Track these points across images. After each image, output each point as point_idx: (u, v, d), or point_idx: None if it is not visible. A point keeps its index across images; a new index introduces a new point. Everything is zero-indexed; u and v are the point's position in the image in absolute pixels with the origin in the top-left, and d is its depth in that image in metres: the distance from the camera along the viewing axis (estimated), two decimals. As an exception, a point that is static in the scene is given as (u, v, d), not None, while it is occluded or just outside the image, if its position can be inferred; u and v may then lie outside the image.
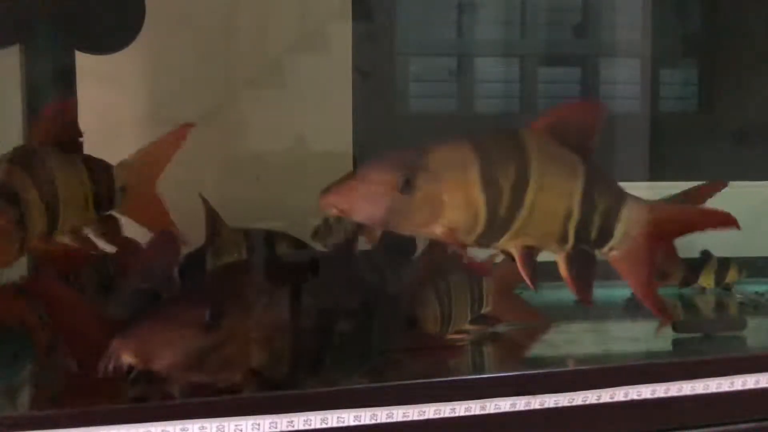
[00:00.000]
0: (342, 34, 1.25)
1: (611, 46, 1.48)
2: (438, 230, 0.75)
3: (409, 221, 0.74)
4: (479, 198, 0.75)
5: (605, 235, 0.80)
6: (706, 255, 1.27)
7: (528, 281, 0.78)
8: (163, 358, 0.71)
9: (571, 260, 0.80)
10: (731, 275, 1.27)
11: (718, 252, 1.27)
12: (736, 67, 1.49)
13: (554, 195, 0.77)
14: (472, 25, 1.44)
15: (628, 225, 0.80)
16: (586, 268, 0.81)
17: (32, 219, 0.81)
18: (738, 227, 0.85)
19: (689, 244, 1.31)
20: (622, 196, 0.81)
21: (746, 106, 1.47)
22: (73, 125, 0.89)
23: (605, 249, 0.81)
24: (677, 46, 1.52)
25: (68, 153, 0.88)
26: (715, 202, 1.40)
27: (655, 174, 1.40)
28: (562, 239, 0.79)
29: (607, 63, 1.49)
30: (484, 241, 0.77)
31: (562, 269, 0.81)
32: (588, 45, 1.49)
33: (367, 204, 0.72)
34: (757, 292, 1.26)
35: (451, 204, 0.74)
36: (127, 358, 0.69)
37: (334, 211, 0.72)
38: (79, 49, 1.11)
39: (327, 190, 0.72)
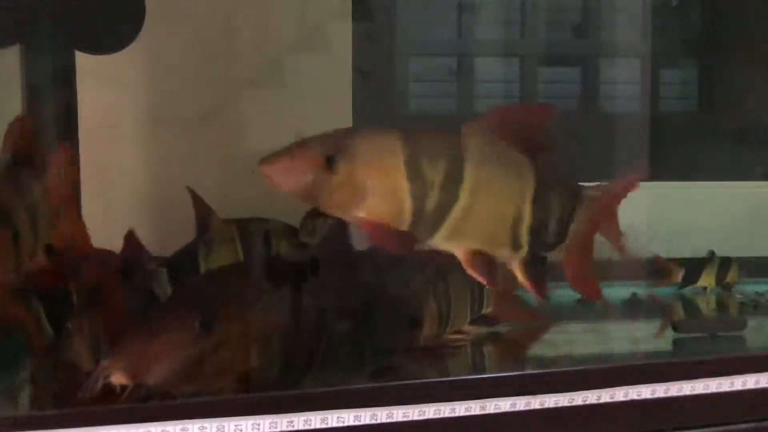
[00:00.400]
0: (342, 34, 1.25)
1: (611, 46, 1.48)
2: (361, 215, 0.75)
3: (331, 200, 0.74)
4: (403, 188, 0.74)
5: (560, 237, 0.80)
6: (709, 255, 1.27)
7: (482, 281, 0.77)
8: (155, 373, 0.71)
9: (527, 267, 0.79)
10: (732, 275, 1.27)
11: (717, 252, 1.27)
12: (736, 67, 1.49)
13: (497, 195, 0.77)
14: (472, 25, 1.44)
15: (580, 224, 0.80)
16: (540, 270, 0.80)
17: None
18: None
19: (690, 245, 1.31)
20: (577, 196, 0.80)
21: (746, 106, 1.47)
22: (30, 141, 0.87)
23: (556, 251, 0.81)
24: (677, 46, 1.52)
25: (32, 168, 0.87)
26: (715, 203, 1.41)
27: (655, 174, 1.40)
28: (515, 244, 0.78)
29: (607, 63, 1.49)
30: (416, 235, 0.76)
31: (520, 276, 0.80)
32: (588, 45, 1.49)
33: (292, 178, 0.73)
34: (757, 292, 1.25)
35: (373, 189, 0.74)
36: (119, 379, 0.69)
37: (267, 182, 0.73)
38: (79, 49, 1.11)
39: (263, 160, 0.74)
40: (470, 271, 0.77)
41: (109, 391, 0.69)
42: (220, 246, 0.99)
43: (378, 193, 0.74)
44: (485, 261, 0.77)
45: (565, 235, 0.80)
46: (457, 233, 0.76)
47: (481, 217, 0.76)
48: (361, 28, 1.27)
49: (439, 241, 0.77)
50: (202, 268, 0.98)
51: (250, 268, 0.95)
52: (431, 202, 0.75)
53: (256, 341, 0.77)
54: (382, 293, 0.91)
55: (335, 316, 0.85)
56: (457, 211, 0.75)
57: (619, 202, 0.84)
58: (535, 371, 0.85)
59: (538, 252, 0.79)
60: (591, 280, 0.84)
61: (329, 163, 0.73)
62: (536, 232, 0.78)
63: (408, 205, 0.74)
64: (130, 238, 0.92)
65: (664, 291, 1.28)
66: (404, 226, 0.75)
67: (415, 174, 0.74)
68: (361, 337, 0.87)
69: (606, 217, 0.83)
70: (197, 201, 1.00)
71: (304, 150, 0.74)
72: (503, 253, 0.78)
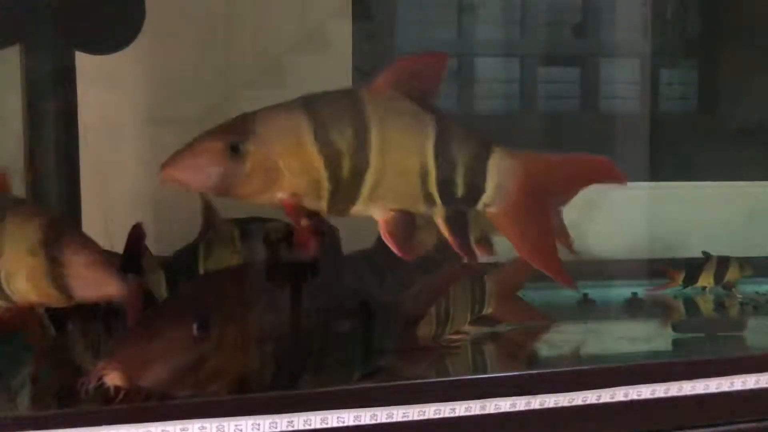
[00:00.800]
0: (342, 34, 1.25)
1: (611, 46, 1.48)
2: (279, 197, 0.74)
3: (245, 188, 0.73)
4: (317, 161, 0.73)
5: (475, 190, 0.77)
6: (705, 255, 1.27)
7: (395, 249, 0.76)
8: (151, 376, 0.70)
9: (448, 220, 0.78)
10: (732, 274, 1.27)
11: (717, 252, 1.27)
12: (736, 67, 1.49)
13: (403, 152, 0.75)
14: (472, 25, 1.44)
15: (499, 177, 0.77)
16: (462, 225, 0.78)
17: None
18: (622, 181, 0.79)
19: (690, 245, 1.31)
20: (487, 148, 0.77)
21: (746, 106, 1.47)
22: None
23: (480, 205, 0.78)
24: (677, 46, 1.52)
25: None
26: (715, 203, 1.41)
27: (655, 174, 1.40)
28: (428, 199, 0.77)
29: (607, 63, 1.49)
30: (337, 206, 0.75)
31: (443, 230, 0.78)
32: (588, 45, 1.49)
33: (199, 173, 0.72)
34: (757, 292, 1.26)
35: (286, 169, 0.73)
36: (114, 381, 0.69)
37: (174, 185, 0.72)
38: (79, 49, 1.11)
39: (165, 164, 0.72)
40: (386, 238, 0.76)
41: (104, 393, 0.69)
42: (220, 246, 0.99)
43: (291, 172, 0.73)
44: (403, 222, 0.76)
45: (481, 189, 0.77)
46: (374, 197, 0.75)
47: (394, 177, 0.75)
48: (361, 28, 1.27)
49: (360, 209, 0.76)
50: (202, 269, 0.98)
51: (250, 269, 0.94)
52: (346, 169, 0.74)
53: (253, 343, 0.77)
54: (381, 295, 0.91)
55: (334, 317, 0.85)
56: (371, 175, 0.74)
57: (560, 172, 0.80)
58: (535, 371, 0.85)
59: (453, 206, 0.77)
60: (548, 250, 0.80)
61: (235, 150, 0.72)
62: (444, 185, 0.76)
63: (324, 177, 0.73)
64: (136, 230, 0.90)
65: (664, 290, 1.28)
66: (323, 200, 0.74)
67: (325, 145, 0.73)
68: (357, 339, 0.87)
69: (544, 179, 0.79)
70: (205, 201, 1.00)
71: (206, 142, 0.73)
72: (420, 210, 0.77)
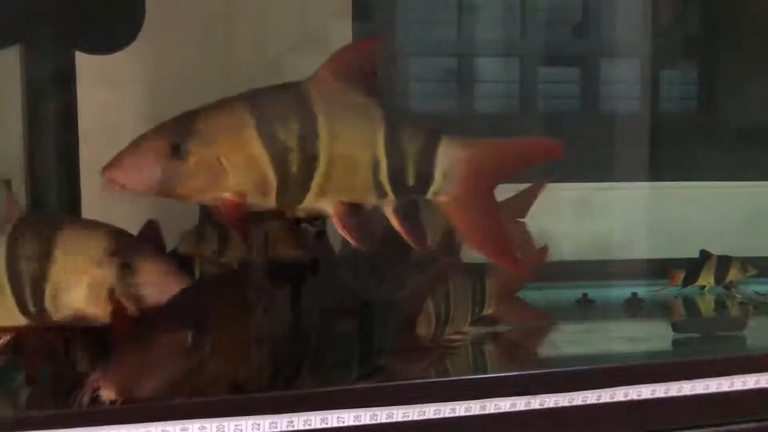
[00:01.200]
0: (342, 34, 1.25)
1: (611, 46, 1.48)
2: (225, 195, 0.73)
3: (189, 188, 0.73)
4: (262, 157, 0.73)
5: (424, 179, 0.77)
6: (705, 254, 1.27)
7: (350, 239, 0.75)
8: (144, 388, 0.70)
9: (398, 211, 0.77)
10: (732, 273, 1.27)
11: (718, 252, 1.27)
12: (736, 67, 1.49)
13: (353, 144, 0.75)
14: (472, 25, 1.44)
15: (447, 165, 0.77)
16: (413, 215, 0.78)
17: None
18: (560, 156, 0.79)
19: (690, 245, 1.31)
20: (435, 136, 0.78)
21: (746, 106, 1.47)
22: None
23: (429, 194, 0.78)
24: (677, 46, 1.52)
25: None
26: (715, 203, 1.41)
27: (655, 174, 1.40)
28: (379, 191, 0.76)
29: (607, 63, 1.49)
30: (285, 202, 0.75)
31: (393, 222, 0.78)
32: (588, 45, 1.49)
33: (141, 174, 0.72)
34: (757, 292, 1.25)
35: (231, 166, 0.72)
36: (108, 394, 0.69)
37: (116, 188, 0.72)
38: (79, 49, 1.11)
39: (106, 166, 0.72)
40: (340, 229, 0.75)
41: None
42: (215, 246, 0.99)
43: (235, 170, 0.72)
44: (356, 213, 0.75)
45: (430, 178, 0.77)
46: (323, 191, 0.74)
47: (343, 170, 0.74)
48: (361, 28, 1.27)
49: (309, 203, 0.75)
50: (197, 269, 0.98)
51: (242, 273, 0.94)
52: (294, 164, 0.73)
53: (248, 348, 0.77)
54: (378, 295, 0.91)
55: (331, 318, 0.85)
56: (320, 169, 0.74)
57: (505, 155, 0.80)
58: (535, 371, 0.85)
59: (403, 196, 0.77)
60: (498, 236, 0.80)
61: (176, 150, 0.71)
62: (394, 176, 0.76)
63: (270, 174, 0.73)
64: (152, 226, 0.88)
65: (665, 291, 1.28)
66: (270, 197, 0.74)
67: (270, 140, 0.73)
68: (353, 339, 0.87)
69: (491, 164, 0.79)
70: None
71: (146, 143, 0.72)
72: (370, 201, 0.77)
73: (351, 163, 0.75)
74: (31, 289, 0.74)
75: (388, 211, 0.77)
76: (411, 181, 0.77)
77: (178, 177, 0.72)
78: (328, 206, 0.75)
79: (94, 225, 0.77)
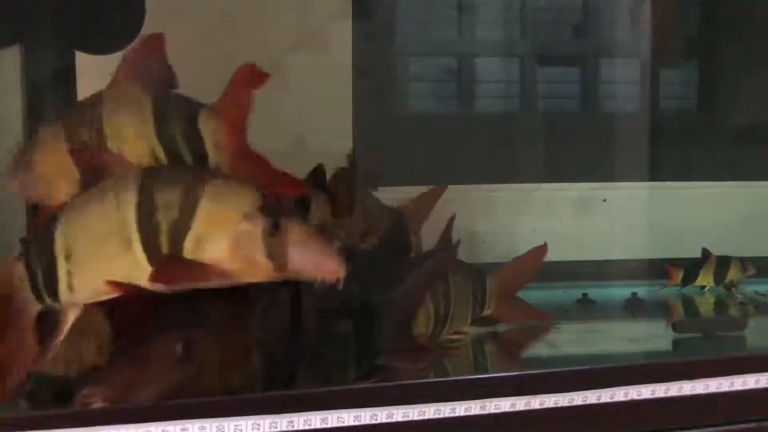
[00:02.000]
0: (342, 34, 1.25)
1: (611, 46, 1.48)
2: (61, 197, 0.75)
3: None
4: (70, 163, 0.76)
5: (197, 154, 0.79)
6: (705, 253, 1.27)
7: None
8: (137, 400, 0.70)
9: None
10: (732, 273, 1.27)
11: (718, 251, 1.27)
12: (736, 67, 1.49)
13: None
14: (472, 25, 1.44)
15: (212, 137, 0.79)
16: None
17: None
18: (266, 79, 0.82)
19: (690, 245, 1.31)
20: (196, 108, 0.80)
21: (746, 106, 1.47)
22: None
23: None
24: (677, 46, 1.52)
25: None
26: (715, 203, 1.41)
27: (655, 174, 1.40)
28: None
29: (607, 63, 1.49)
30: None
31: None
32: (588, 45, 1.49)
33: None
34: (757, 292, 1.25)
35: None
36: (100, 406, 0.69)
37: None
38: (79, 49, 1.11)
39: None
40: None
41: None
42: None
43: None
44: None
45: (203, 154, 0.78)
46: None
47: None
48: (361, 28, 1.27)
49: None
50: None
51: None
52: None
53: (241, 358, 0.77)
54: (377, 294, 0.91)
55: (327, 321, 0.85)
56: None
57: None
58: (535, 371, 0.85)
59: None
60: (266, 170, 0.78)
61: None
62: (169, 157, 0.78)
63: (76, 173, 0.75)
64: None
65: (664, 291, 1.28)
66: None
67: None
68: (352, 339, 0.87)
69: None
70: None
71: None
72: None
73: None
74: (168, 239, 0.71)
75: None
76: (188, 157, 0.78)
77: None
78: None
79: (239, 179, 0.74)
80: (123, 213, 0.71)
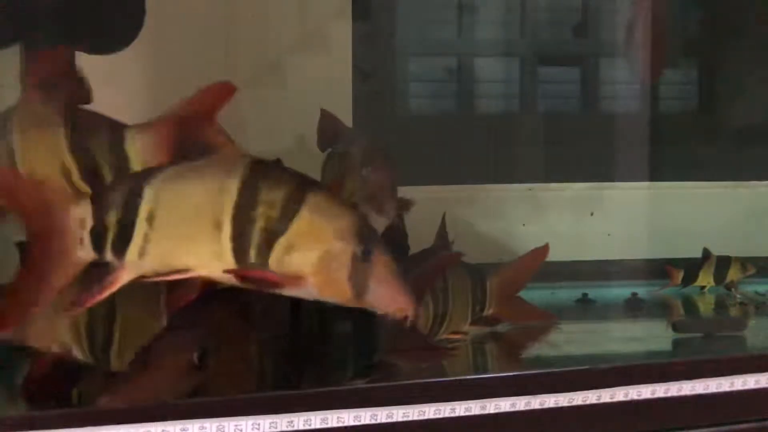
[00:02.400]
0: (342, 34, 1.25)
1: (611, 46, 1.48)
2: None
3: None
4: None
5: (121, 169, 0.79)
6: (704, 254, 1.27)
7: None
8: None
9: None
10: (732, 273, 1.27)
11: (718, 251, 1.27)
12: (736, 67, 1.49)
13: (43, 155, 0.78)
14: (472, 25, 1.44)
15: (137, 149, 0.79)
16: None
17: None
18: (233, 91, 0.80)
19: (690, 245, 1.31)
20: (119, 129, 0.80)
21: (746, 106, 1.47)
22: None
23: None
24: (677, 46, 1.52)
25: None
26: (715, 203, 1.41)
27: (655, 174, 1.40)
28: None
29: (607, 63, 1.49)
30: None
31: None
32: (588, 45, 1.49)
33: None
34: (757, 292, 1.25)
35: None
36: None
37: None
38: (79, 49, 1.11)
39: None
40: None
41: None
42: None
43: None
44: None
45: (125, 165, 0.78)
46: None
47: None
48: (361, 28, 1.27)
49: None
50: None
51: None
52: None
53: (252, 363, 0.77)
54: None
55: (332, 323, 0.85)
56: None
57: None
58: (535, 371, 0.85)
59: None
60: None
61: None
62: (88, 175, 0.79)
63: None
64: None
65: (665, 291, 1.28)
66: None
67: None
68: (350, 339, 0.87)
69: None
70: None
71: None
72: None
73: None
74: (259, 237, 0.70)
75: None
76: (107, 177, 0.77)
77: None
78: None
79: (341, 199, 0.75)
80: (222, 197, 0.69)
